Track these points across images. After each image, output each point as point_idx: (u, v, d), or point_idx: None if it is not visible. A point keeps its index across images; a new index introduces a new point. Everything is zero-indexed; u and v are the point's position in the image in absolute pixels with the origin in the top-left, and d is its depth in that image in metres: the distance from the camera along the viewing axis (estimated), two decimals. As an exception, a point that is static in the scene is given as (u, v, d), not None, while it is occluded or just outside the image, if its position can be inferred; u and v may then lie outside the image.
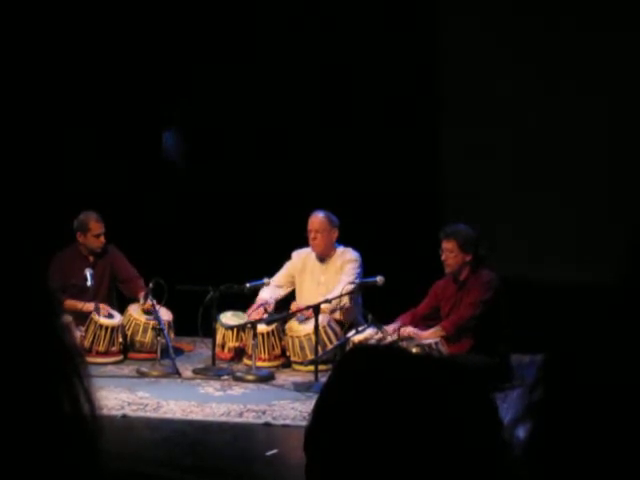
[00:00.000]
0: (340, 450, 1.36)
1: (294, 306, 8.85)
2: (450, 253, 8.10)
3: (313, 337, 8.33)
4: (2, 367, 1.02)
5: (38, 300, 1.08)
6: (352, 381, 1.40)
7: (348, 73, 10.09)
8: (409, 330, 8.07)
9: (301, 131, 10.15)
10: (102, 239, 9.13)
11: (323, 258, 8.94)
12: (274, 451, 6.52)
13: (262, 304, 8.82)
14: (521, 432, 1.28)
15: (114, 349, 8.93)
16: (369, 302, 8.64)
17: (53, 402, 1.04)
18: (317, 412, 1.41)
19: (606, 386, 1.24)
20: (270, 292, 8.95)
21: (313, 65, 10.15)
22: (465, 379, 1.40)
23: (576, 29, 9.64)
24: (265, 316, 8.72)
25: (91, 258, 9.18)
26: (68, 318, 7.58)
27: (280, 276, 9.10)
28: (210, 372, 8.50)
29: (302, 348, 8.60)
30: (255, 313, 8.78)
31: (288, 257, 9.13)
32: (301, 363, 8.59)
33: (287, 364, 8.79)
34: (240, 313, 8.99)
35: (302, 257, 9.05)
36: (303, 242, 8.93)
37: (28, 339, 1.05)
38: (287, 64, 10.19)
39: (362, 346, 1.61)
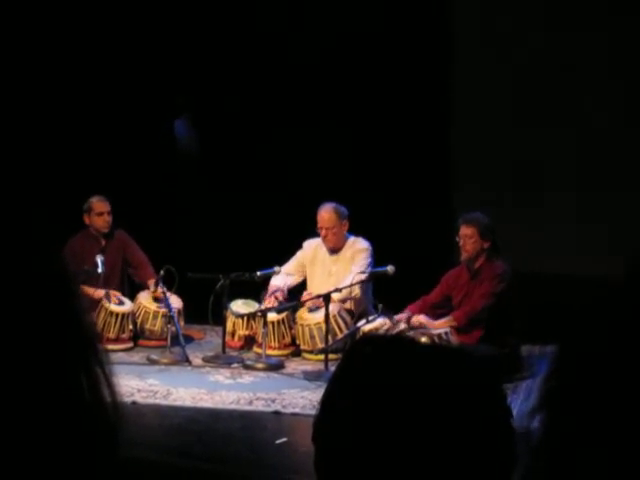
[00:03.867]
0: (348, 441, 1.36)
1: (306, 296, 8.85)
2: (469, 239, 8.10)
3: (323, 326, 8.33)
4: (21, 351, 1.02)
5: (57, 282, 1.07)
6: (359, 372, 1.40)
7: (356, 60, 10.08)
8: (420, 318, 8.07)
9: (313, 118, 10.14)
10: (106, 218, 9.14)
11: (334, 249, 8.93)
12: (283, 439, 6.53)
13: (275, 291, 8.83)
14: (536, 422, 1.28)
15: (124, 336, 8.94)
16: (380, 291, 8.64)
17: (74, 388, 1.04)
18: (325, 404, 1.41)
19: (620, 378, 1.24)
20: (282, 279, 8.95)
21: (323, 52, 10.13)
22: (473, 367, 1.40)
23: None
24: (276, 304, 8.73)
25: (102, 242, 9.20)
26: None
27: (291, 265, 9.08)
28: (220, 360, 8.51)
29: (312, 337, 8.60)
30: (268, 301, 8.79)
31: (299, 246, 9.12)
32: (311, 352, 8.60)
33: (297, 353, 8.80)
34: (251, 301, 9.00)
35: (313, 247, 9.04)
36: (313, 230, 8.91)
37: (47, 322, 1.04)
38: (296, 53, 10.18)
39: (369, 336, 1.61)
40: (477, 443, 1.35)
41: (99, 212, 9.15)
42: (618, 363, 1.24)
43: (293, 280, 9.08)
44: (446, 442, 1.33)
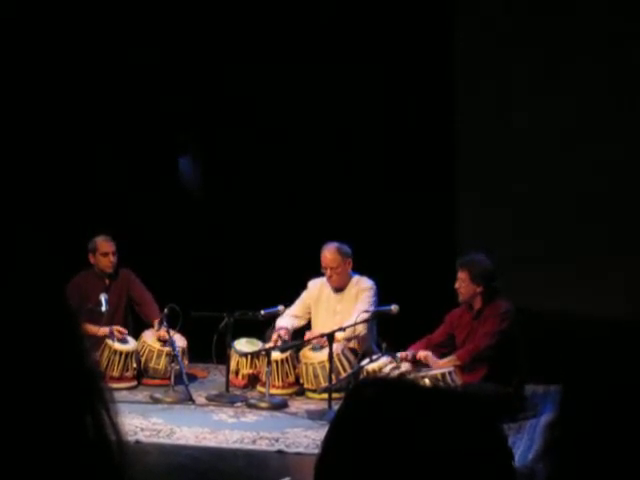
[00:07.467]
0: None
1: (308, 335, 8.84)
2: (462, 282, 8.16)
3: (327, 365, 8.31)
4: (25, 392, 1.02)
5: (60, 323, 1.08)
6: (360, 415, 1.40)
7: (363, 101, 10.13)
8: (425, 354, 8.05)
9: (318, 157, 10.16)
10: (111, 258, 9.15)
11: (339, 288, 8.94)
12: (287, 479, 6.50)
13: (279, 329, 8.83)
14: (541, 468, 1.28)
15: (128, 374, 8.93)
16: (384, 331, 8.63)
17: (78, 428, 1.04)
18: (326, 446, 1.41)
19: (624, 428, 1.24)
20: (288, 320, 8.95)
21: (331, 91, 10.18)
22: (473, 411, 1.40)
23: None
24: (279, 343, 8.71)
25: (106, 281, 9.20)
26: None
27: (297, 307, 9.07)
28: (224, 399, 8.48)
29: (316, 376, 8.58)
30: (272, 339, 8.78)
31: (303, 285, 9.12)
32: (315, 391, 8.58)
33: (301, 392, 8.78)
34: (254, 340, 8.98)
35: (318, 286, 9.04)
36: (318, 269, 8.92)
37: (51, 362, 1.04)
38: (304, 88, 10.22)
39: (371, 379, 1.61)
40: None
41: (104, 252, 9.15)
42: (622, 413, 1.24)
43: (299, 322, 9.07)
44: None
